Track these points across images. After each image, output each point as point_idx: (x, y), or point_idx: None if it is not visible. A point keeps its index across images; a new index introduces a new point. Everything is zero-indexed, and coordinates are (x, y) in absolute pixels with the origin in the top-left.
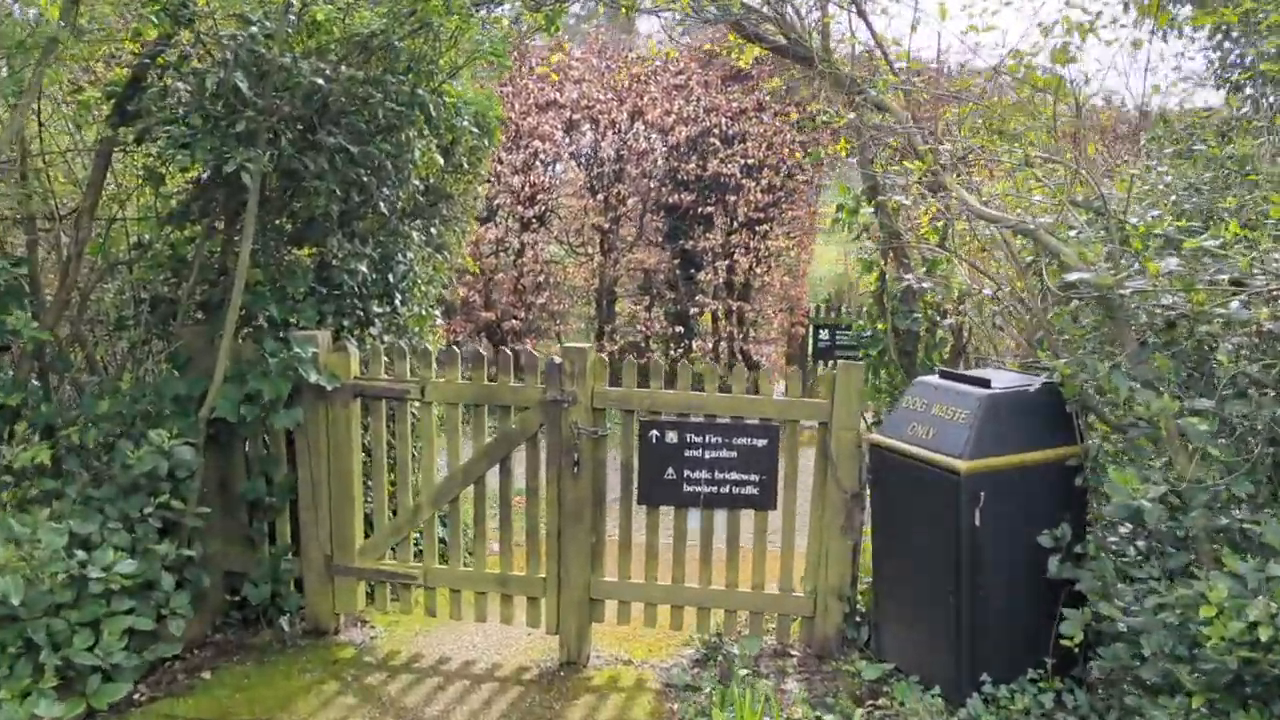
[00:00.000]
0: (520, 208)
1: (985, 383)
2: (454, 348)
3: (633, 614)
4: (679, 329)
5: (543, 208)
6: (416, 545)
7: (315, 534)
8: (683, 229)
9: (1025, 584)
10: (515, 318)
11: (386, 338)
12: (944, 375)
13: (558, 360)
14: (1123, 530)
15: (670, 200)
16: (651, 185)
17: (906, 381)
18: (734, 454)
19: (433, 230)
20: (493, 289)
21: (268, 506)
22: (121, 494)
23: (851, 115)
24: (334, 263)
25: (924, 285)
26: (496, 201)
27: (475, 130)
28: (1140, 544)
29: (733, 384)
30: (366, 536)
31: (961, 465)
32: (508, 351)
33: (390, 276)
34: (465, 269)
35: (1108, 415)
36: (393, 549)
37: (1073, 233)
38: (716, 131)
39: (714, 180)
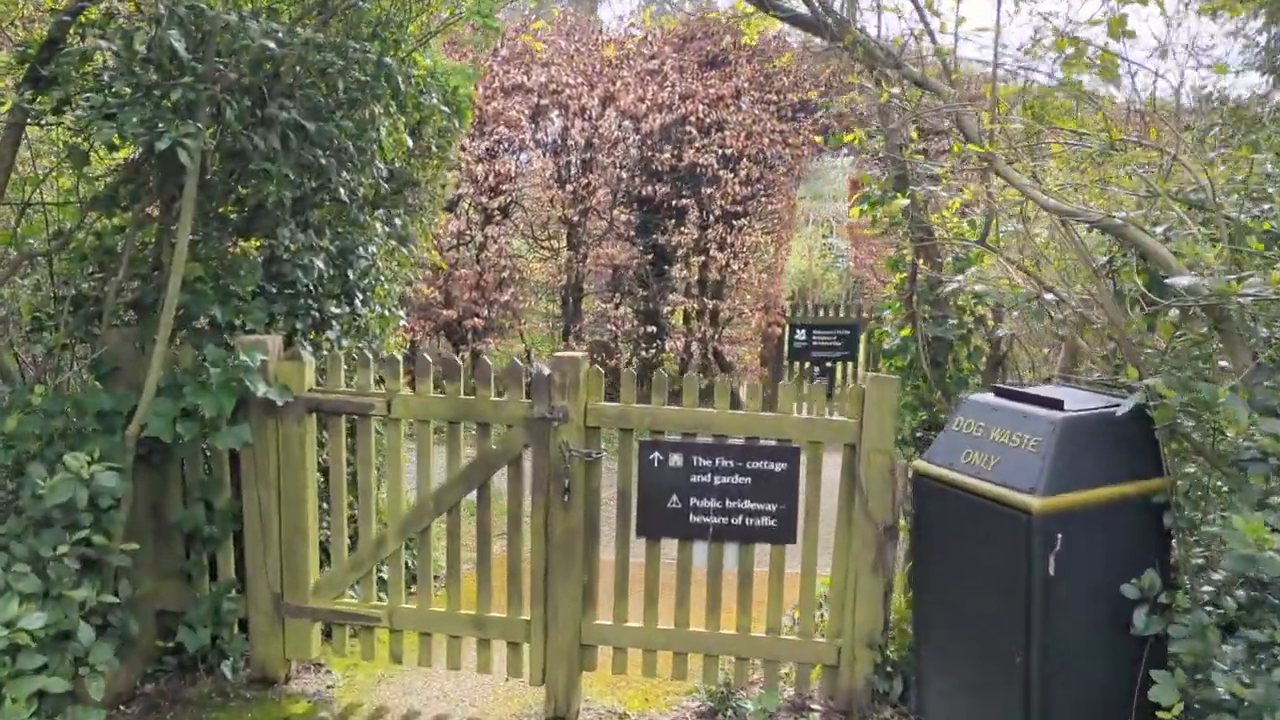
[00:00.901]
0: (484, 198)
1: (1057, 403)
2: (425, 356)
3: (630, 661)
4: (650, 328)
5: (507, 199)
6: (381, 581)
7: (263, 569)
8: (655, 222)
9: (1106, 642)
10: (477, 316)
11: (346, 342)
12: (1001, 393)
13: (546, 371)
14: (1215, 577)
15: (643, 192)
16: (623, 176)
17: (934, 395)
18: (748, 480)
19: (397, 221)
20: (452, 285)
21: (208, 537)
22: (31, 529)
23: (894, 91)
24: (285, 257)
25: (972, 287)
26: (459, 191)
27: (445, 109)
28: (1239, 594)
29: (747, 399)
30: (323, 571)
31: (1034, 503)
32: (487, 361)
33: (350, 273)
34: (430, 264)
35: (1203, 445)
36: (353, 586)
37: (1159, 229)
38: (693, 119)
39: (689, 171)
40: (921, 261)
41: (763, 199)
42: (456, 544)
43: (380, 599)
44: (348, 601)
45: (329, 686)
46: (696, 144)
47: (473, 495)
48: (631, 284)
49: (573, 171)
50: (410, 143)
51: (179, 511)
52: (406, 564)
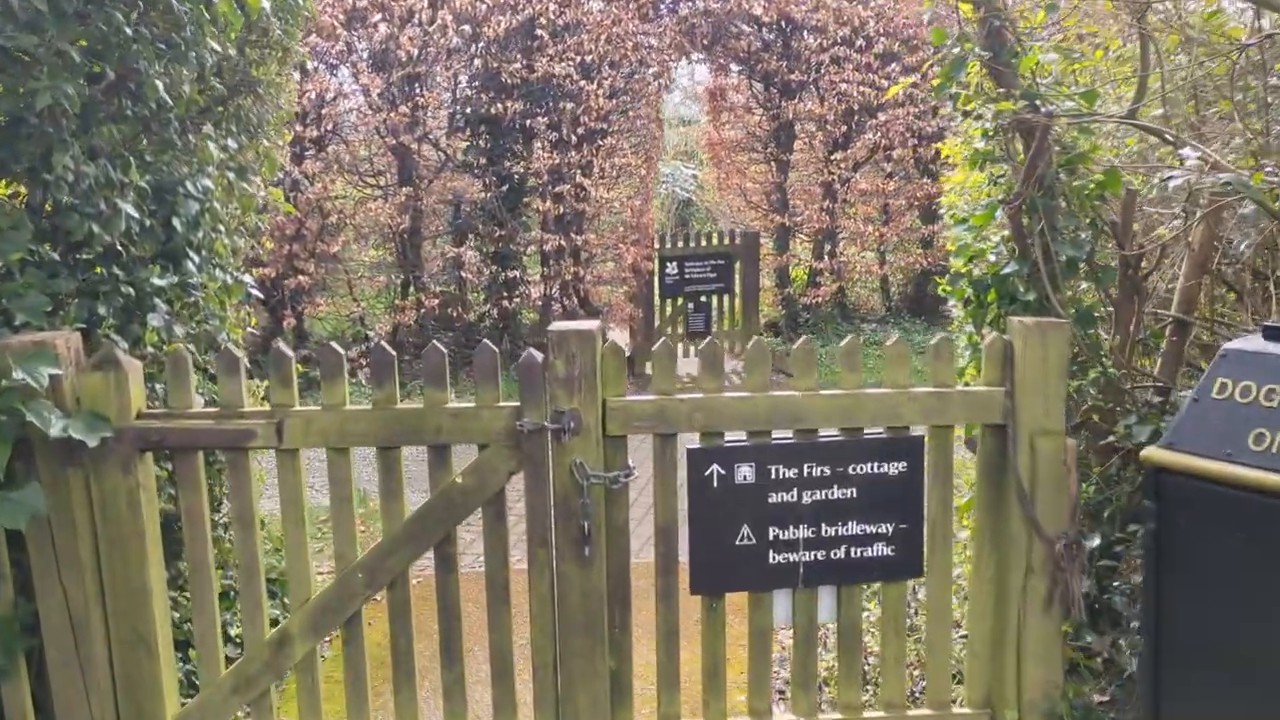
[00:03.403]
0: (296, 127)
1: None
2: (334, 347)
3: None
4: (508, 273)
5: (324, 128)
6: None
7: (82, 708)
8: (505, 148)
9: None
10: (301, 273)
11: (178, 330)
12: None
13: (539, 356)
14: None
15: (489, 111)
16: (464, 93)
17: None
18: (851, 491)
19: (231, 143)
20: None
21: None
22: None
23: None
24: (70, 202)
25: (1205, 179)
26: None
27: None
28: None
29: (845, 367)
30: (186, 700)
31: None
32: (439, 348)
33: (175, 221)
34: (280, 207)
35: None
36: (241, 715)
37: None
38: (543, 22)
39: (543, 83)
40: (1021, 148)
41: (630, 113)
42: (407, 634)
43: None
44: None
45: None
46: (549, 51)
47: (429, 558)
48: (480, 222)
49: (404, 90)
50: (244, 19)
51: None
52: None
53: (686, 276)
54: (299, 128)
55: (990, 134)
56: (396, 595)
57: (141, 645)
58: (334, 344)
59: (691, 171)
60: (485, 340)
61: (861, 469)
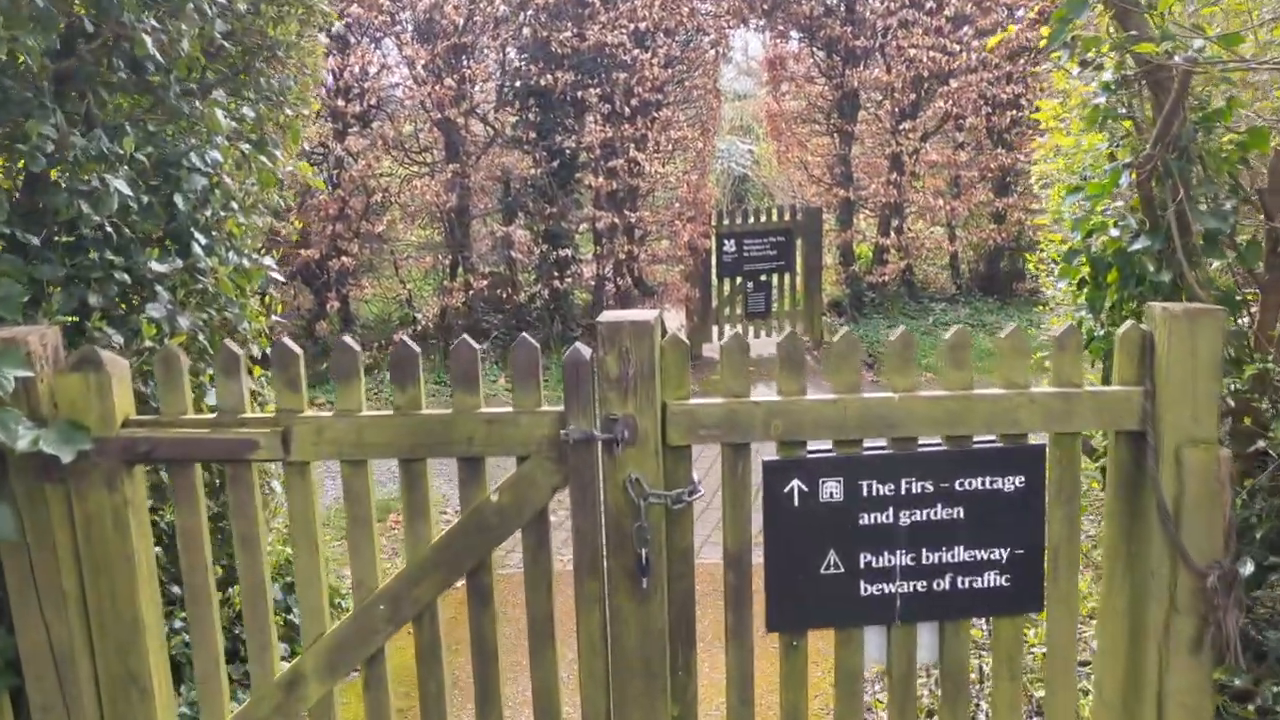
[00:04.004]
0: (338, 102)
1: None
2: (348, 343)
3: None
4: (559, 252)
5: (367, 102)
6: None
7: None
8: (556, 121)
9: None
10: (344, 254)
11: (184, 322)
12: None
13: (586, 353)
14: None
15: (539, 82)
16: (513, 64)
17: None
18: (957, 510)
19: (247, 111)
20: (306, 216)
21: None
22: None
23: None
24: (54, 177)
25: None
26: None
27: None
28: None
29: (948, 364)
30: None
31: None
32: (470, 343)
33: (178, 199)
34: (306, 182)
35: None
36: None
37: None
38: None
39: (596, 53)
40: (1148, 106)
41: (685, 83)
42: (438, 679)
43: None
44: None
45: None
46: (601, 19)
47: (460, 585)
48: (530, 199)
49: (450, 61)
50: None
51: None
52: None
53: (745, 254)
54: (341, 102)
55: (1113, 87)
56: (425, 633)
57: (134, 684)
58: (348, 340)
59: (747, 147)
60: (524, 334)
61: (970, 484)
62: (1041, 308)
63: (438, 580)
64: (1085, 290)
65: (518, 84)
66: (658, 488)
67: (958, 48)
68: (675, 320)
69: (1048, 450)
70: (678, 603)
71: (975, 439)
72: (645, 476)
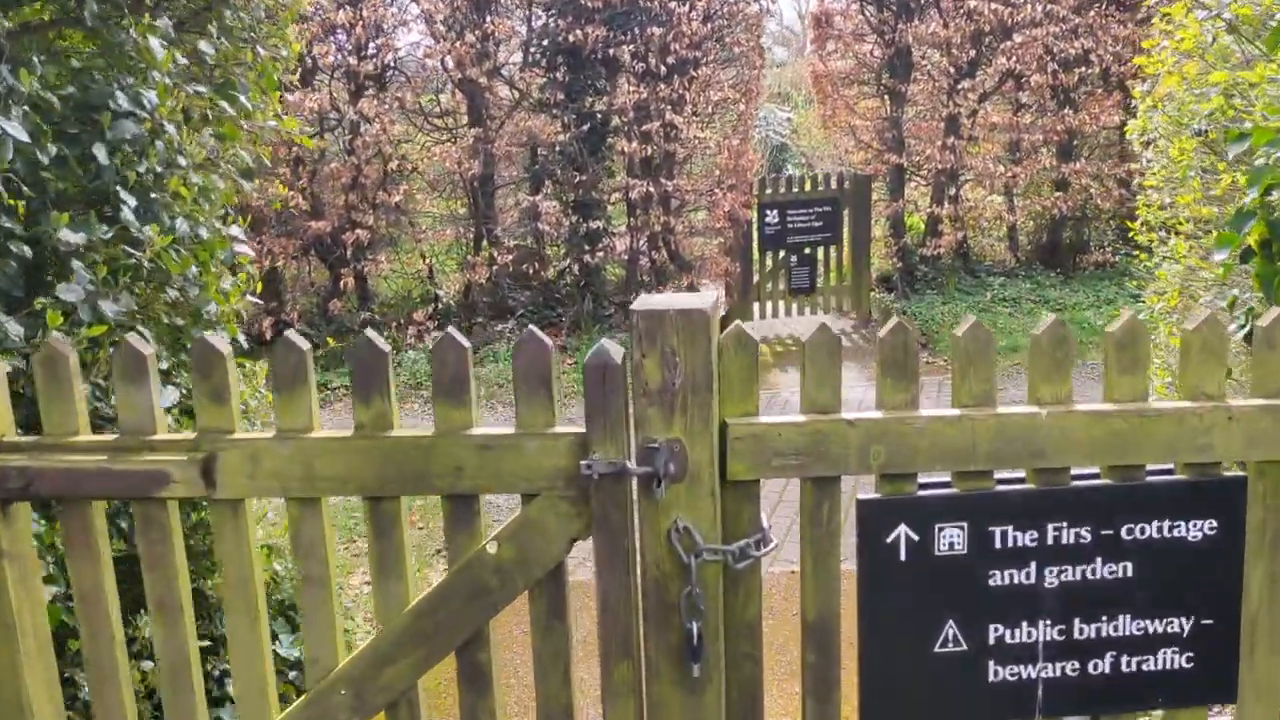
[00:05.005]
0: (350, 60)
1: None
2: (293, 339)
3: None
4: (590, 224)
5: (381, 61)
6: None
7: None
8: (586, 81)
9: None
10: (359, 226)
11: (111, 308)
12: None
13: (615, 355)
14: None
15: (567, 40)
16: (539, 19)
17: None
18: (1123, 566)
19: (205, 46)
20: (319, 186)
21: None
22: None
23: None
24: None
25: None
26: (312, 54)
27: None
28: None
29: (1115, 372)
30: None
31: None
32: (457, 340)
33: (99, 150)
34: (286, 137)
35: None
36: None
37: None
38: None
39: (629, 6)
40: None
41: (726, 40)
42: None
43: None
44: None
45: None
46: None
47: (449, 662)
48: (559, 167)
49: (471, 15)
50: None
51: None
52: None
53: (789, 226)
54: (353, 61)
55: None
56: None
57: None
58: (292, 335)
59: (786, 114)
60: (531, 327)
61: (1143, 532)
62: (1135, 284)
63: (417, 660)
64: (1254, 262)
65: (545, 41)
66: (714, 540)
67: None
68: (710, 297)
69: (1249, 484)
70: (741, 696)
71: (1148, 469)
72: (697, 524)
